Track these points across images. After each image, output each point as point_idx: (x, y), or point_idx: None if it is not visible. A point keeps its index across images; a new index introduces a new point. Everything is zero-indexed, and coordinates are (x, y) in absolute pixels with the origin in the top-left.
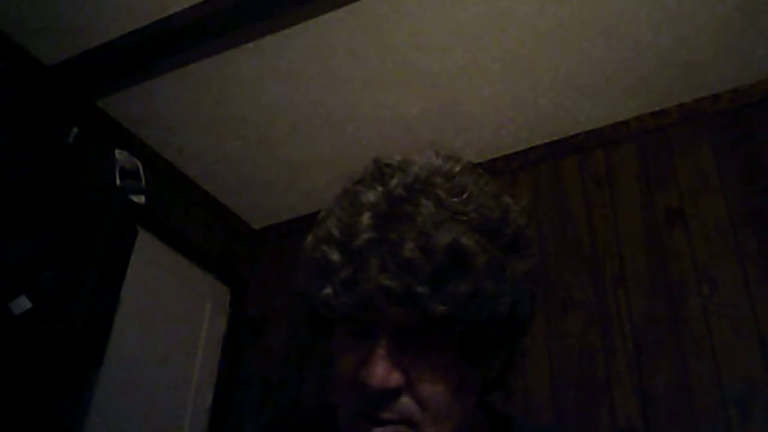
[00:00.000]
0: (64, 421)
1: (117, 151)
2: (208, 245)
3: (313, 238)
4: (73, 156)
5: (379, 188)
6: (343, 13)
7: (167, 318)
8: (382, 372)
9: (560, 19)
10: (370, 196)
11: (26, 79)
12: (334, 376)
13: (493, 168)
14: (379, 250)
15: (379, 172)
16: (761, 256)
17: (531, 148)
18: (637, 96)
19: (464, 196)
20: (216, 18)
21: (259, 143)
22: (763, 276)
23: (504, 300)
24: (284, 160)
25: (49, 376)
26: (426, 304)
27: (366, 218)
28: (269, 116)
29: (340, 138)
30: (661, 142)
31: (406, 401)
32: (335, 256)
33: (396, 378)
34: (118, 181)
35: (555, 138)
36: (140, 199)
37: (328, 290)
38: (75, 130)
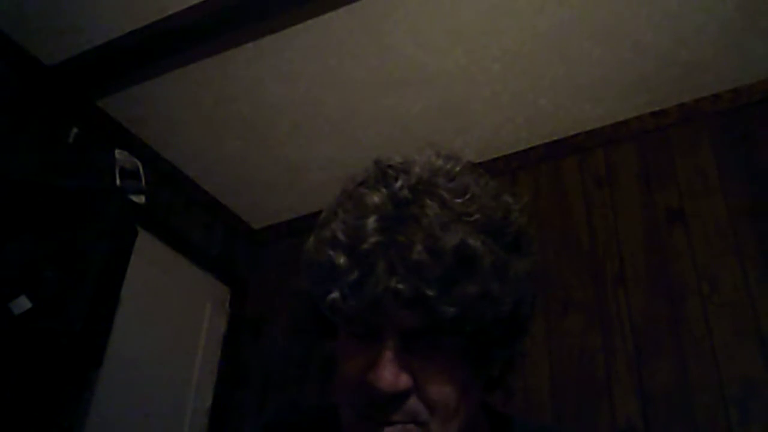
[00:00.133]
0: (64, 421)
1: (117, 151)
2: (208, 245)
3: (316, 240)
4: (73, 156)
5: (384, 190)
6: (343, 13)
7: (167, 318)
8: (390, 375)
9: (560, 19)
10: (375, 199)
11: (26, 79)
12: (337, 378)
13: (493, 168)
14: (387, 253)
15: (382, 173)
16: (761, 256)
17: (531, 148)
18: (637, 96)
19: (467, 196)
20: (216, 18)
21: (259, 143)
22: (763, 276)
23: (508, 300)
24: (284, 160)
25: (49, 376)
26: (435, 307)
27: (372, 221)
28: (269, 116)
29: (340, 138)
30: (661, 142)
31: (414, 402)
32: (342, 260)
33: (405, 380)
34: (118, 181)
35: (555, 138)
36: (140, 199)
37: (334, 294)
38: (75, 130)
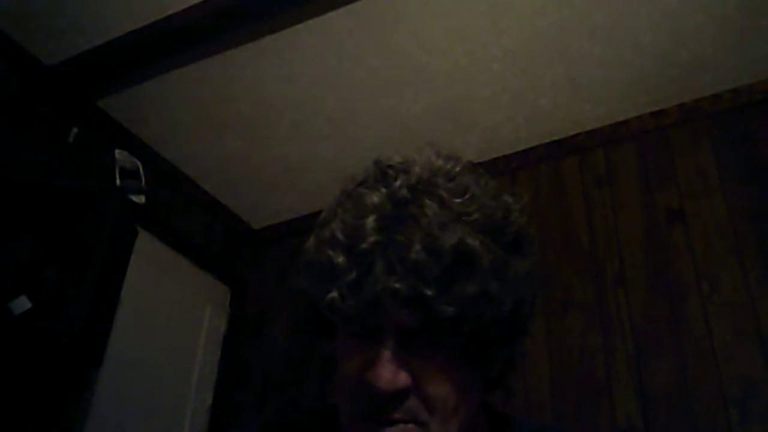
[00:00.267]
0: (64, 421)
1: (117, 151)
2: (208, 245)
3: (315, 240)
4: (73, 156)
5: (383, 190)
6: (343, 13)
7: (167, 318)
8: (389, 374)
9: (560, 18)
10: (374, 198)
11: (26, 79)
12: (337, 378)
13: (493, 168)
14: (386, 252)
15: (382, 173)
16: (761, 256)
17: (531, 148)
18: (637, 96)
19: (467, 196)
20: (216, 18)
21: (259, 143)
22: (763, 276)
23: (508, 300)
24: (284, 160)
25: (49, 376)
26: (433, 306)
27: (371, 221)
28: (269, 116)
29: (340, 138)
30: (661, 142)
31: (413, 402)
32: (340, 259)
33: (403, 379)
34: (118, 181)
35: (555, 138)
36: (140, 199)
37: (333, 294)
38: (75, 130)
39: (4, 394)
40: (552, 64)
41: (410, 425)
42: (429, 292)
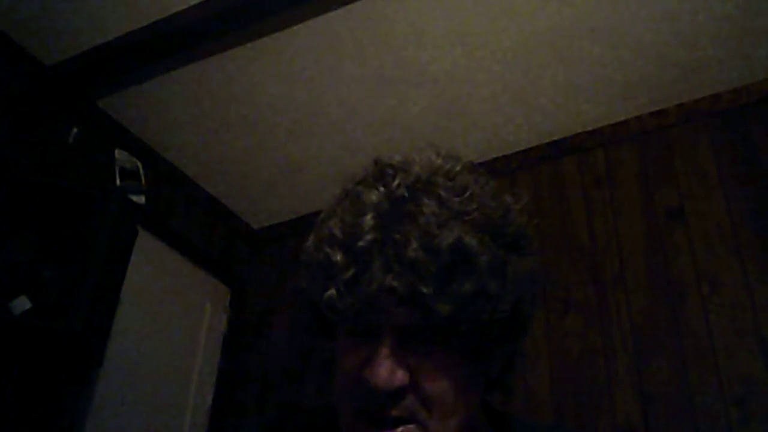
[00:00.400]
0: (64, 421)
1: (117, 151)
2: (208, 245)
3: (314, 239)
4: (73, 156)
5: (381, 188)
6: (344, 13)
7: (167, 318)
8: (386, 372)
9: (560, 19)
10: (373, 197)
11: (26, 79)
12: (336, 377)
13: (493, 168)
14: (383, 250)
15: (381, 172)
16: (761, 256)
17: (531, 148)
18: (637, 96)
19: (466, 195)
20: (216, 18)
21: (259, 143)
22: (763, 276)
23: (506, 299)
24: (284, 160)
25: (49, 375)
26: (430, 304)
27: (369, 219)
28: (269, 116)
29: (340, 138)
30: (661, 142)
31: (411, 400)
32: (338, 257)
33: (401, 377)
34: (118, 181)
35: (555, 138)
36: (140, 199)
37: (331, 291)
38: (75, 130)
39: (4, 394)
40: (552, 64)
41: (410, 426)
42: (426, 290)
